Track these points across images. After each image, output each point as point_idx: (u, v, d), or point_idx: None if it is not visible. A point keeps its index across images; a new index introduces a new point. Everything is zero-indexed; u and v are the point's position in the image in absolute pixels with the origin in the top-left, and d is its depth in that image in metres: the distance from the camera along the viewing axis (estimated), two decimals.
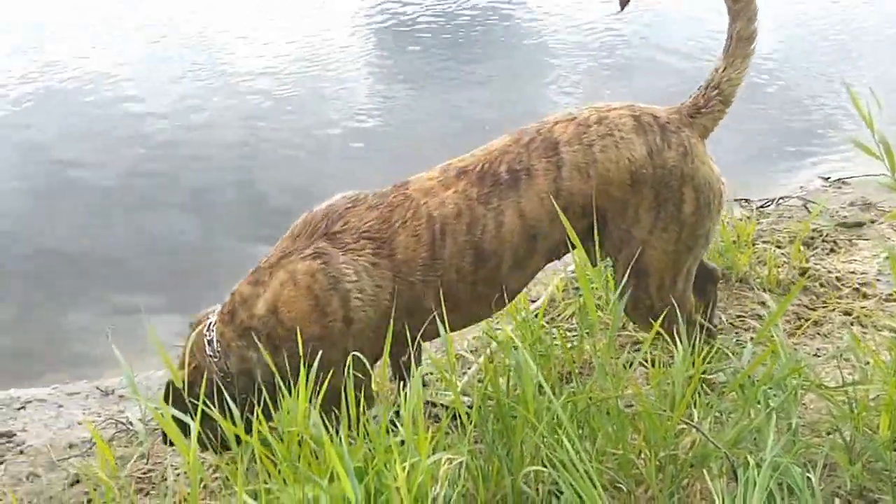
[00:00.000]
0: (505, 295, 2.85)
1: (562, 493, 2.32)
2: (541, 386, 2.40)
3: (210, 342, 2.78)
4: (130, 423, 3.72)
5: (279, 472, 2.29)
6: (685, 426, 2.45)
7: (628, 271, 2.76)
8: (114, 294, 5.31)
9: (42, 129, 7.71)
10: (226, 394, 2.47)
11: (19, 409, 4.03)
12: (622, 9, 2.96)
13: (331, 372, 2.47)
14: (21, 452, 3.67)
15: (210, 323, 2.82)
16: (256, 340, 2.66)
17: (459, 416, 2.38)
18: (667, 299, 2.84)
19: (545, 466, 2.36)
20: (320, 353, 2.47)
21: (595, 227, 2.75)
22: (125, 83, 8.36)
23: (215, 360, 2.77)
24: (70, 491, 3.35)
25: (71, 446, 3.71)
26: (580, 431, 2.43)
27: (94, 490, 3.31)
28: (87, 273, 5.56)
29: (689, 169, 2.76)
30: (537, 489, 2.38)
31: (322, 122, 7.64)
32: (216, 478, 3.12)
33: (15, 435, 3.79)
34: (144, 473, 3.33)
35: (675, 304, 2.82)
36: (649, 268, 2.82)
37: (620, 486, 2.41)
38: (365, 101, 7.97)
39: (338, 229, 2.73)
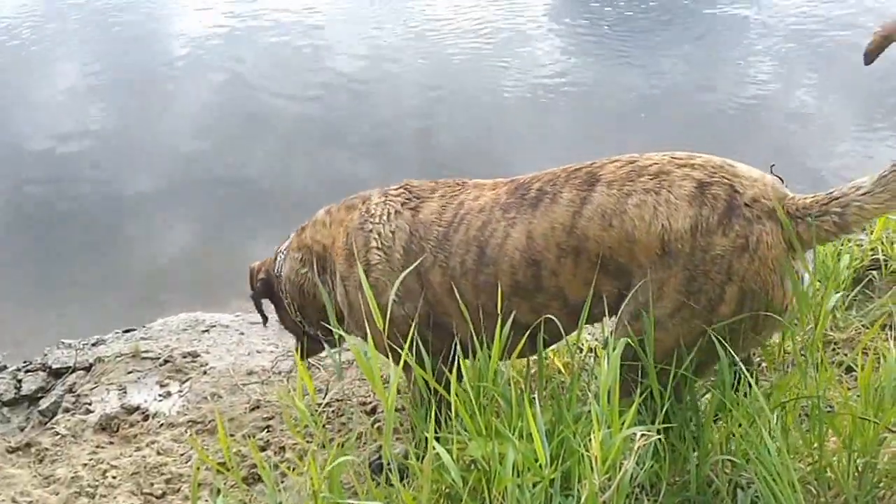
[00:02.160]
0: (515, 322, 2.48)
1: (750, 485, 2.26)
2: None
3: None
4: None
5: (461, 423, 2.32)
6: (889, 434, 2.33)
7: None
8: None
9: (245, 63, 8.06)
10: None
11: (204, 331, 4.24)
12: (867, 63, 2.43)
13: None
14: (205, 373, 3.87)
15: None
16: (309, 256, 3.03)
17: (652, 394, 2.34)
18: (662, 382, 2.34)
19: (735, 457, 2.30)
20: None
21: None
22: (325, 30, 8.62)
23: (275, 263, 3.18)
24: (250, 415, 3.50)
25: (251, 373, 3.88)
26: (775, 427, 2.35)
27: (272, 418, 3.49)
28: (270, 205, 5.79)
29: (740, 266, 2.26)
30: (728, 479, 2.32)
31: (506, 82, 7.64)
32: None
33: (199, 356, 3.99)
34: (322, 407, 3.45)
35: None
36: (654, 352, 2.35)
37: (811, 487, 2.32)
38: (553, 63, 7.91)
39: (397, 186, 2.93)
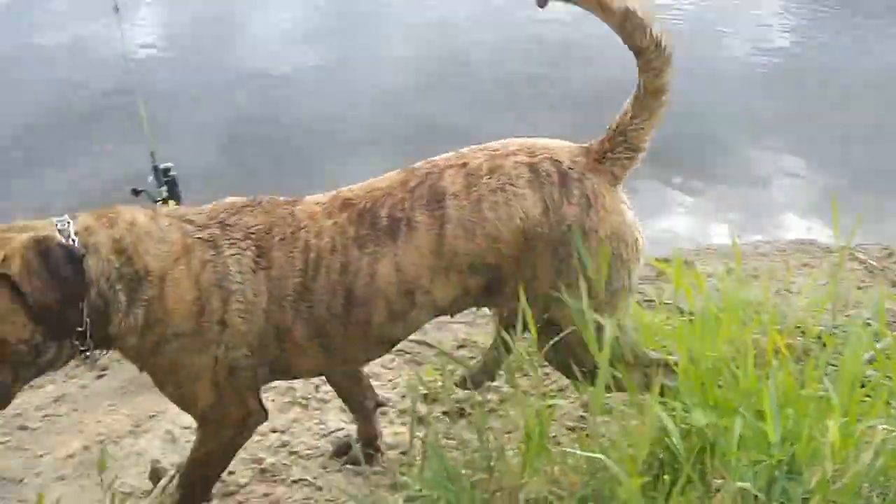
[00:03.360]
0: (384, 343, 2.62)
1: None
2: None
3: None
4: None
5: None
6: None
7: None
8: None
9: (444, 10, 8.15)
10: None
11: None
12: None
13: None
14: None
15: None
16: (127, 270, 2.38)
17: None
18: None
19: None
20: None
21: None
22: None
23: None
24: (457, 353, 3.59)
25: None
26: None
27: (474, 358, 3.56)
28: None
29: (592, 223, 2.45)
30: None
31: (717, 55, 7.40)
32: None
33: None
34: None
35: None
36: (564, 324, 2.44)
37: None
38: (779, 36, 7.59)
39: (231, 223, 2.48)
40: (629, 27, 2.45)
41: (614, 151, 2.52)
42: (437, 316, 2.63)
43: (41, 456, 3.22)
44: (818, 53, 7.36)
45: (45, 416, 3.44)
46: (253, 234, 2.45)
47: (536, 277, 2.47)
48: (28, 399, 3.58)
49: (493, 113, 6.54)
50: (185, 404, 2.54)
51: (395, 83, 6.96)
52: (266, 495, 2.95)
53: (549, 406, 2.49)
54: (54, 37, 7.98)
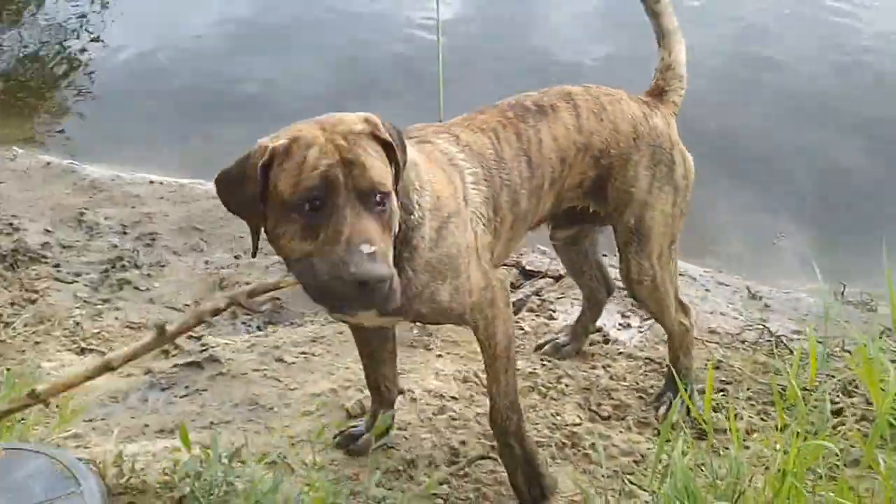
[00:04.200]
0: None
1: None
2: None
3: None
4: (777, 336, 3.73)
5: None
6: None
7: (632, 235, 2.95)
8: (783, 203, 5.30)
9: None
10: None
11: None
12: None
13: None
14: None
15: None
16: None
17: None
18: (665, 271, 3.04)
19: None
20: None
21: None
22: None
23: None
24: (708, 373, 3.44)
25: (712, 332, 3.82)
26: None
27: (730, 383, 3.41)
28: (755, 175, 5.59)
29: (674, 136, 3.03)
30: None
31: None
32: None
33: None
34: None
35: (670, 279, 3.07)
36: (651, 231, 2.97)
37: None
38: None
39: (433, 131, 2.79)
40: None
41: (670, 85, 3.11)
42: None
43: (292, 390, 3.40)
44: None
45: (302, 353, 3.63)
46: (447, 131, 2.77)
47: (638, 180, 2.93)
48: (288, 335, 3.80)
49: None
50: (460, 298, 2.55)
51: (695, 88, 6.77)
52: (492, 472, 2.96)
53: (812, 448, 2.32)
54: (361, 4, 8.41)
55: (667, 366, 3.30)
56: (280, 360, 3.59)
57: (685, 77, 3.13)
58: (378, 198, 2.16)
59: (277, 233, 2.19)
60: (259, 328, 4.05)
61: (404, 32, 7.59)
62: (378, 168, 2.19)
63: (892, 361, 2.64)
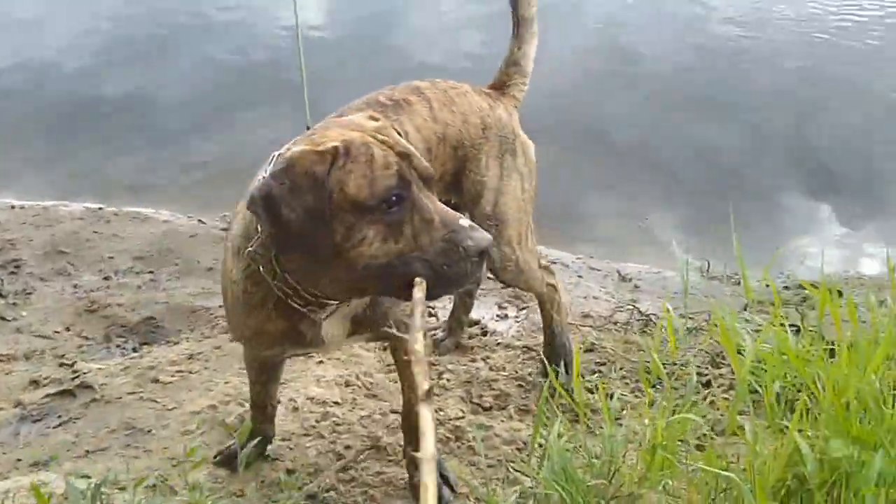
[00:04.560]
0: None
1: None
2: None
3: None
4: (647, 315, 3.85)
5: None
6: None
7: (490, 224, 2.95)
8: (650, 187, 5.48)
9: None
10: None
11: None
12: None
13: None
14: None
15: None
16: None
17: None
18: (525, 251, 3.13)
19: None
20: None
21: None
22: None
23: None
24: (583, 356, 3.54)
25: (586, 316, 3.92)
26: None
27: (604, 364, 3.50)
28: (621, 162, 5.76)
29: (516, 127, 3.11)
30: None
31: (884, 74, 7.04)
32: None
33: None
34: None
35: (531, 256, 3.18)
36: (507, 217, 3.04)
37: None
38: None
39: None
40: None
41: (512, 80, 3.17)
42: None
43: (170, 409, 3.32)
44: None
45: (178, 371, 3.56)
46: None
47: (489, 169, 3.00)
48: (164, 354, 3.72)
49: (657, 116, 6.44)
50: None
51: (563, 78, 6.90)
52: (379, 473, 2.97)
53: (679, 421, 2.41)
54: (226, 10, 8.28)
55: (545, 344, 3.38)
56: (156, 380, 3.51)
57: (529, 74, 3.20)
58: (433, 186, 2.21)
59: (353, 241, 2.05)
60: (134, 349, 3.95)
61: (271, 39, 7.52)
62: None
63: (757, 331, 2.77)
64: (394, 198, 2.05)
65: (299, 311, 2.29)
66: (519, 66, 3.17)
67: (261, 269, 2.24)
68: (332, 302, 2.30)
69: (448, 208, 2.14)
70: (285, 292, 2.25)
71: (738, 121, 6.33)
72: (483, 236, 2.08)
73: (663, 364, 3.22)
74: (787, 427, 2.22)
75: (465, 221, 2.09)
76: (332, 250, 2.05)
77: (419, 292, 1.98)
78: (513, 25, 3.17)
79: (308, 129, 4.19)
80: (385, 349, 3.62)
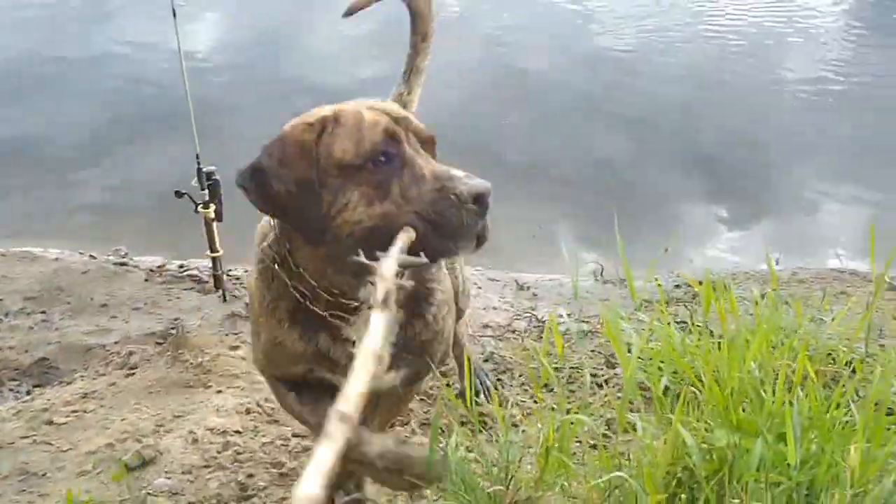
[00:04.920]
0: None
1: None
2: None
3: None
4: (543, 322, 3.91)
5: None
6: None
7: None
8: (539, 200, 5.58)
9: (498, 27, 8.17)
10: None
11: None
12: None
13: None
14: None
15: None
16: None
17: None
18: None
19: None
20: None
21: None
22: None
23: None
24: (484, 366, 3.58)
25: (485, 326, 3.96)
26: None
27: (504, 372, 3.55)
28: (514, 174, 5.85)
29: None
30: None
31: (778, 73, 7.34)
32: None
33: None
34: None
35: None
36: None
37: None
38: (834, 58, 7.50)
39: None
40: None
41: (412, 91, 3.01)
42: None
43: (65, 451, 3.24)
44: (875, 80, 7.25)
45: (73, 411, 3.47)
46: None
47: None
48: (57, 395, 3.62)
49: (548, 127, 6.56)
50: None
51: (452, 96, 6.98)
52: (284, 499, 2.94)
53: (571, 422, 2.46)
54: (114, 39, 8.14)
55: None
56: (50, 422, 3.41)
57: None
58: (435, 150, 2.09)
59: (338, 206, 1.95)
60: (28, 392, 3.83)
61: (159, 72, 7.41)
62: None
63: (651, 331, 2.84)
64: (382, 157, 1.96)
65: (322, 321, 2.16)
66: (406, 108, 3.00)
67: (276, 266, 2.14)
68: (352, 305, 2.14)
69: (447, 167, 2.01)
70: (302, 293, 2.14)
71: (625, 128, 6.51)
72: (480, 182, 1.94)
73: (558, 368, 3.30)
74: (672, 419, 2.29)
75: (458, 172, 1.97)
76: (321, 223, 1.96)
77: (405, 233, 1.87)
78: (405, 70, 3.04)
79: (198, 157, 4.21)
80: None
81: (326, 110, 2.07)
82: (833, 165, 6.23)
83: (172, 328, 4.10)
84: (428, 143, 2.08)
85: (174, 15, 4.28)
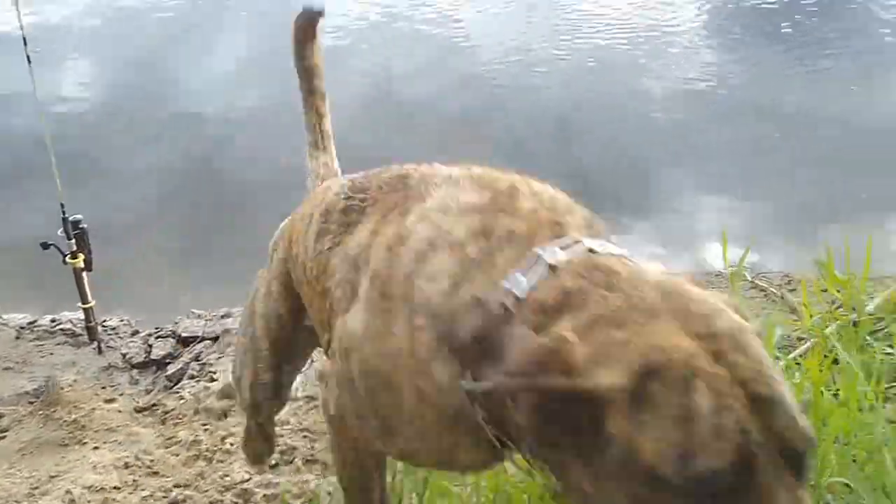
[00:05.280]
0: None
1: None
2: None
3: None
4: None
5: None
6: None
7: None
8: None
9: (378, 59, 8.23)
10: None
11: None
12: None
13: None
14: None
15: None
16: None
17: None
18: None
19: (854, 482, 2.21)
20: None
21: None
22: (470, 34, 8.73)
23: None
24: None
25: None
26: None
27: None
28: None
29: None
30: None
31: (646, 89, 7.58)
32: None
33: None
34: None
35: None
36: None
37: None
38: (697, 71, 7.79)
39: None
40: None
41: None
42: None
43: None
44: (745, 85, 7.56)
45: None
46: None
47: None
48: None
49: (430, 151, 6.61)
50: None
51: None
52: None
53: None
54: None
55: None
56: None
57: None
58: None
59: None
60: None
61: (27, 117, 7.20)
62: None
63: None
64: (717, 484, 1.19)
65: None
66: (334, 173, 2.60)
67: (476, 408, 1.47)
68: None
69: None
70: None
71: (502, 147, 6.61)
72: None
73: None
74: None
75: None
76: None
77: None
78: (315, 138, 2.64)
79: (62, 206, 4.09)
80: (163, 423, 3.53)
81: (636, 348, 1.25)
82: (703, 169, 6.46)
83: (44, 385, 3.96)
84: (796, 458, 1.23)
85: (28, 61, 4.20)
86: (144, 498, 3.11)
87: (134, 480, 3.23)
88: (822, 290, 3.36)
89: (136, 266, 5.36)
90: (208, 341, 4.23)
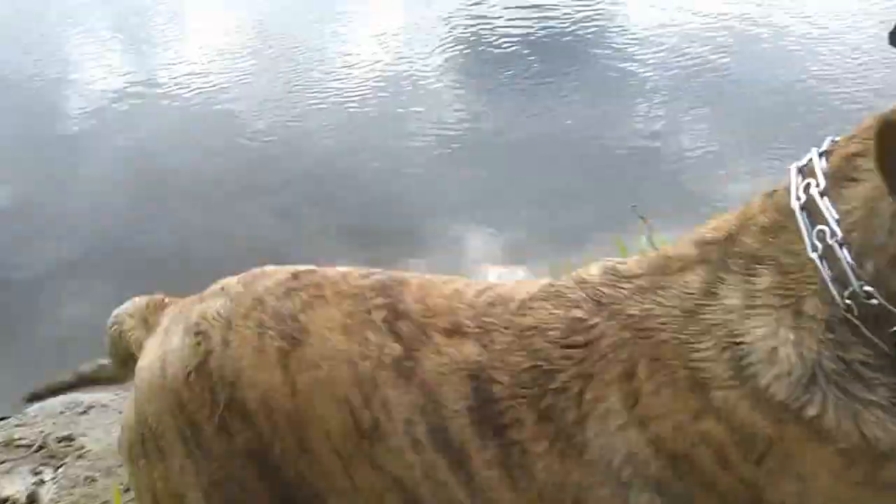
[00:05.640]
0: None
1: None
2: None
3: None
4: None
5: None
6: None
7: None
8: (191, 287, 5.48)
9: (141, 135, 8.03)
10: None
11: (82, 413, 4.14)
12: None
13: None
14: (80, 457, 3.78)
15: None
16: None
17: None
18: None
19: None
20: None
21: None
22: (224, 94, 8.63)
23: None
24: (125, 495, 3.42)
25: None
26: None
27: None
28: (170, 274, 5.73)
29: None
30: None
31: (404, 133, 7.75)
32: None
33: (75, 439, 3.89)
34: None
35: None
36: None
37: None
38: (448, 114, 8.03)
39: None
40: None
41: None
42: None
43: None
44: (485, 121, 7.85)
45: None
46: None
47: None
48: None
49: (198, 226, 6.51)
50: None
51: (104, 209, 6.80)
52: None
53: None
54: None
55: None
56: None
57: None
58: None
59: None
60: None
61: None
62: None
63: None
64: None
65: None
66: None
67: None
68: None
69: None
70: None
71: (269, 207, 6.61)
72: None
73: None
74: None
75: None
76: None
77: None
78: None
79: None
80: None
81: None
82: (465, 206, 6.68)
83: None
84: None
85: None
86: None
87: None
88: None
89: None
90: None
